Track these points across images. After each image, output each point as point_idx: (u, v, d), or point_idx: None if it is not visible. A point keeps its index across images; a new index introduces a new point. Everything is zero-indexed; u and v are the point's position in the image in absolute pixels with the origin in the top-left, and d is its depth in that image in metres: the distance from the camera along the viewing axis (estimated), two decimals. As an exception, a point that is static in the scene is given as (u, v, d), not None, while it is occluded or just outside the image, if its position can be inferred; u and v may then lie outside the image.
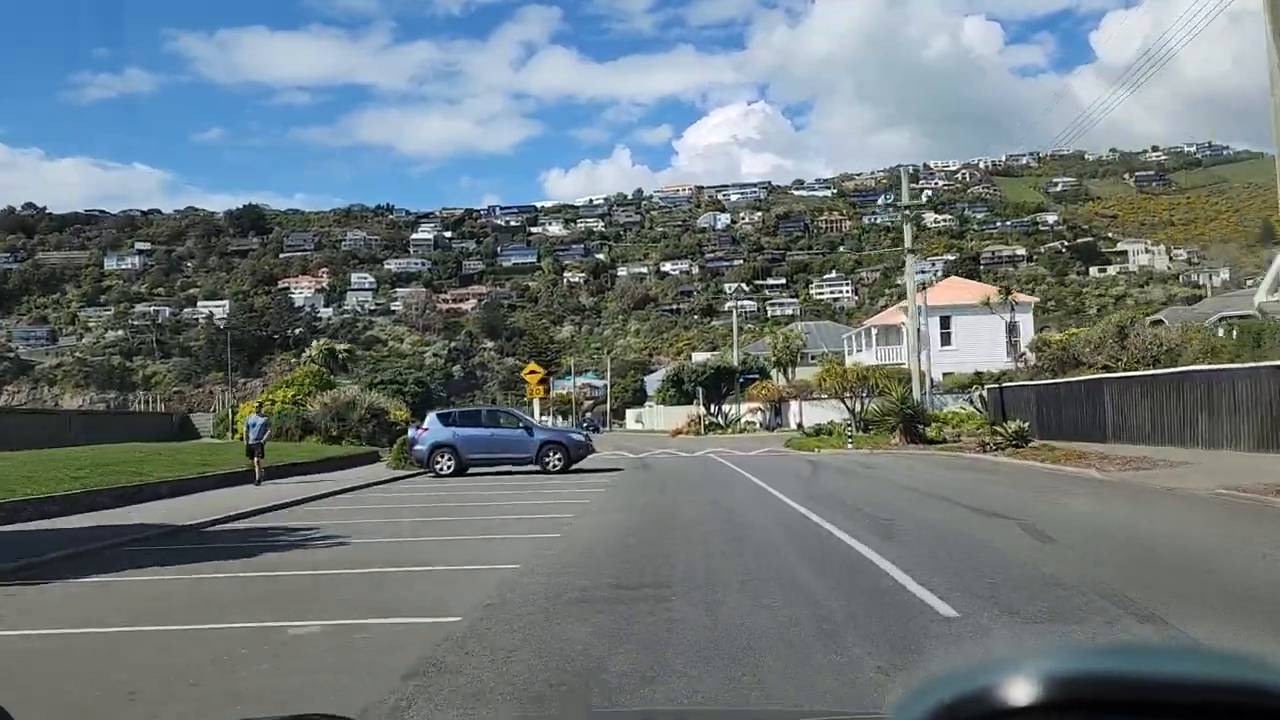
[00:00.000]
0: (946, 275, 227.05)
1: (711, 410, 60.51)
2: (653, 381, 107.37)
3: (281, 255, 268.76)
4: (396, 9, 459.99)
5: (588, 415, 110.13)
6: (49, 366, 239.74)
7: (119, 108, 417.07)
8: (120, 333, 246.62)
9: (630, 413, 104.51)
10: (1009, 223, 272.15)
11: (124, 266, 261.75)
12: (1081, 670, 0.74)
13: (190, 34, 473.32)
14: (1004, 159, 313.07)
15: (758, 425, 58.61)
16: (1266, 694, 0.71)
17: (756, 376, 60.69)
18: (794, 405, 58.28)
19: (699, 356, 64.11)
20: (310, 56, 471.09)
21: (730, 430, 56.12)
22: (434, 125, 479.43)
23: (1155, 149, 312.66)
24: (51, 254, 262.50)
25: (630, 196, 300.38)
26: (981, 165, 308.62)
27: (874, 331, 64.88)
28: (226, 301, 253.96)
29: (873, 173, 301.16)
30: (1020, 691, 0.74)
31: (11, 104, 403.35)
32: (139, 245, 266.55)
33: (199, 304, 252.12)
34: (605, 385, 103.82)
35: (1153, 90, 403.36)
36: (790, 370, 63.41)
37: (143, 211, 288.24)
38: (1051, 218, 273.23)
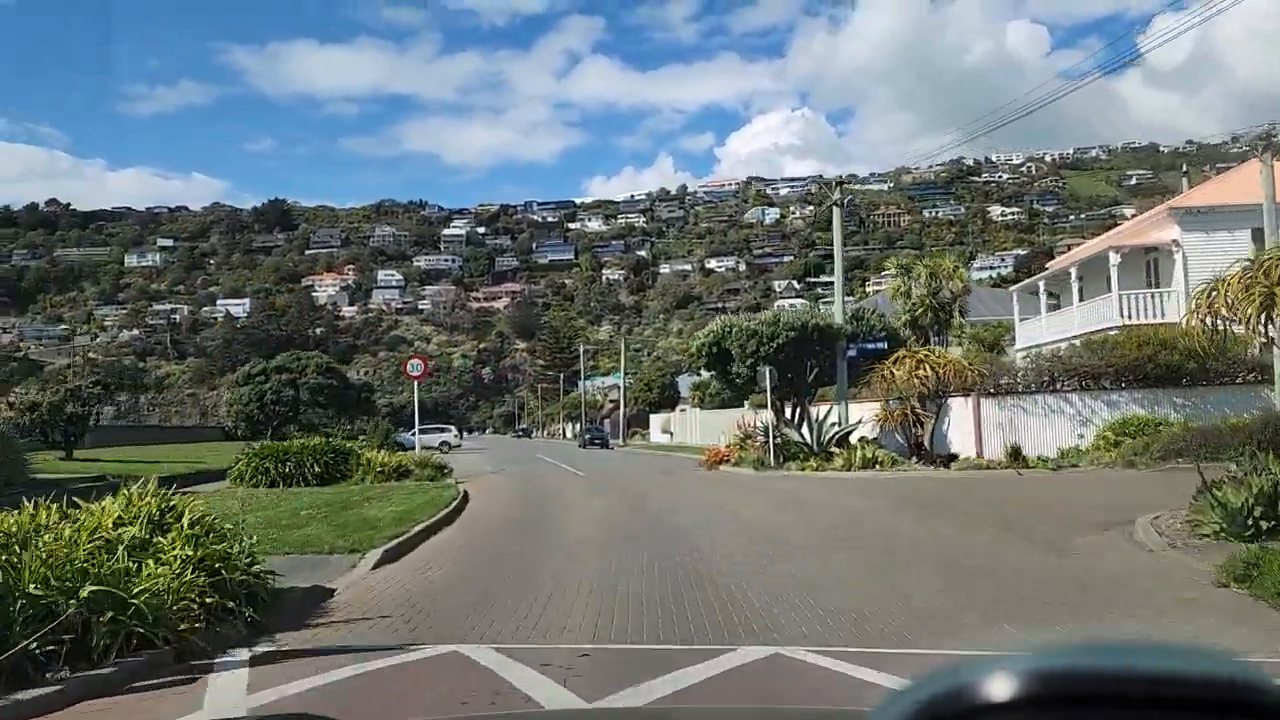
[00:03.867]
0: (1016, 272, 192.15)
1: (788, 413, 27.87)
2: (689, 379, 74.75)
3: (307, 252, 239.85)
4: (442, 21, 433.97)
5: (603, 422, 77.11)
6: (60, 367, 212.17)
7: (175, 119, 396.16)
8: (135, 332, 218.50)
9: (656, 419, 71.62)
10: (1082, 216, 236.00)
11: (145, 263, 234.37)
12: (1061, 666, 0.70)
13: (241, 47, 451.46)
14: (1071, 151, 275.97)
15: (880, 449, 25.11)
16: (1242, 689, 0.68)
17: (883, 347, 27.76)
18: (960, 406, 25.26)
19: (765, 313, 30.95)
20: (358, 68, 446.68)
21: (838, 462, 23.04)
22: (478, 134, 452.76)
23: (1235, 139, 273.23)
24: (71, 251, 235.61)
25: (674, 193, 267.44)
26: (1048, 158, 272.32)
27: (1113, 262, 31.10)
28: (247, 300, 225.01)
29: (930, 166, 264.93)
30: (1000, 688, 0.70)
31: (73, 115, 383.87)
32: (161, 242, 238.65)
33: (219, 302, 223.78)
34: (622, 385, 70.65)
35: (1219, 86, 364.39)
36: (942, 338, 30.26)
37: (170, 209, 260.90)
38: (1129, 211, 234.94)
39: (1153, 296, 30.56)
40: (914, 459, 23.84)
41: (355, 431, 79.64)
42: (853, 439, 27.62)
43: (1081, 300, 33.43)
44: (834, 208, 28.64)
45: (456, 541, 12.66)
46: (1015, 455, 22.14)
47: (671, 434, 64.85)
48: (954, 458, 24.04)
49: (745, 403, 59.98)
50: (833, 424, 28.25)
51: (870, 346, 28.22)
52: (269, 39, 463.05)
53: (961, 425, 26.71)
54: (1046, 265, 61.39)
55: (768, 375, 26.98)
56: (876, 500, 16.75)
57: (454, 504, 17.07)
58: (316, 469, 24.15)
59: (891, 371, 23.76)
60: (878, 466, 23.38)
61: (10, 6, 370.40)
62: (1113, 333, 28.63)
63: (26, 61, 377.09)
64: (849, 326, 28.63)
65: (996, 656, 0.71)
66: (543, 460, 42.17)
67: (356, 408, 74.31)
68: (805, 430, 28.14)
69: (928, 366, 22.99)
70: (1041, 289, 37.95)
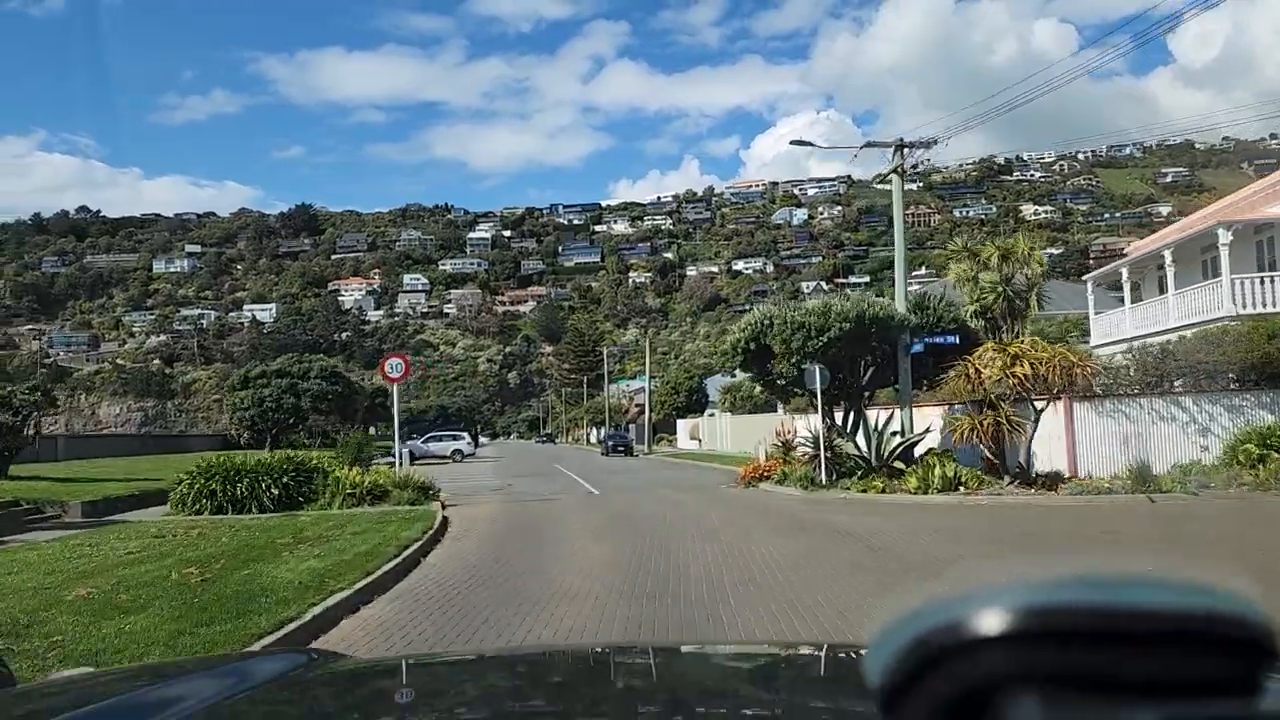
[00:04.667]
0: (1051, 270, 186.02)
1: (837, 420, 23.16)
2: (718, 381, 70.30)
3: (333, 256, 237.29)
4: (469, 28, 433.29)
5: (628, 427, 72.58)
6: (88, 374, 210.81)
7: (208, 128, 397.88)
8: (163, 338, 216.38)
9: (684, 424, 66.79)
10: (1117, 214, 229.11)
11: (173, 269, 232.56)
12: (1053, 601, 0.69)
13: (271, 56, 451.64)
14: (1105, 149, 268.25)
15: (955, 463, 20.05)
16: (1235, 623, 0.67)
17: (954, 340, 23.17)
18: (1056, 415, 20.05)
19: (813, 302, 26.11)
20: (385, 76, 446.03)
21: (912, 482, 18.19)
22: (504, 139, 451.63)
23: (1274, 136, 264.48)
24: (100, 257, 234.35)
25: (700, 194, 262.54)
26: (1080, 156, 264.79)
27: (1223, 241, 25.61)
28: (274, 305, 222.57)
29: (961, 165, 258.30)
30: (992, 621, 0.70)
31: (110, 126, 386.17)
32: (189, 248, 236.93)
33: (245, 307, 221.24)
34: (647, 388, 65.84)
35: (1250, 84, 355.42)
36: (1016, 329, 25.30)
37: (198, 215, 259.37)
38: (1165, 209, 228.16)
39: (1273, 281, 25.43)
40: (1006, 479, 18.92)
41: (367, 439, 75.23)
42: (918, 451, 22.82)
43: (1176, 288, 28.36)
44: (894, 175, 23.86)
45: (369, 636, 8.04)
46: (1141, 476, 17.21)
47: (700, 440, 60.12)
48: (1057, 477, 19.05)
49: (780, 407, 55.12)
50: (894, 433, 23.42)
51: (939, 340, 23.35)
52: (298, 47, 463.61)
53: (1047, 435, 21.78)
54: (1092, 261, 56.65)
55: (817, 375, 22.18)
56: (997, 549, 11.95)
57: (411, 550, 12.48)
58: (274, 491, 19.77)
59: (977, 369, 18.86)
60: (963, 488, 18.50)
61: (47, 21, 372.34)
62: (1231, 324, 23.61)
63: (63, 73, 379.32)
64: (912, 317, 23.76)
65: (991, 590, 0.71)
66: (557, 472, 37.61)
67: (370, 414, 70.20)
68: (862, 440, 23.34)
69: (1027, 362, 18.06)
70: (1125, 276, 32.88)
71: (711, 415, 62.03)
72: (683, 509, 19.00)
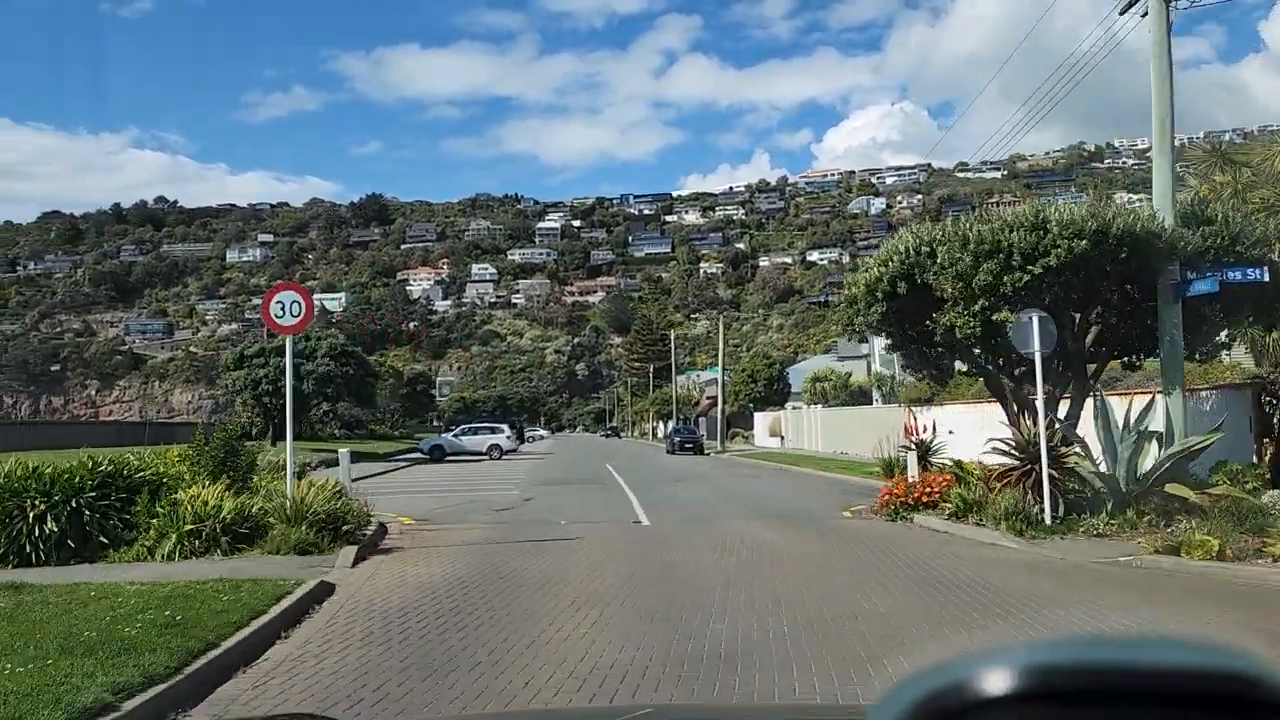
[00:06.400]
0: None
1: (1030, 411, 13.86)
2: (803, 371, 60.49)
3: (403, 246, 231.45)
4: (540, 23, 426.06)
5: (697, 421, 62.94)
6: (161, 361, 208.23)
7: (289, 125, 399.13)
8: (234, 326, 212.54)
9: (762, 418, 56.63)
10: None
11: (245, 259, 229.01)
12: (1057, 660, 0.68)
13: (348, 53, 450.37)
14: (1202, 135, 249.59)
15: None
16: (1242, 681, 0.65)
17: (1260, 276, 13.69)
18: None
19: (1017, 209, 16.67)
20: (460, 72, 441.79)
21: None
22: (576, 134, 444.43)
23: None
24: (176, 247, 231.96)
25: (774, 184, 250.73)
26: (1176, 143, 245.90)
27: None
28: (343, 294, 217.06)
29: (1048, 152, 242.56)
30: (997, 682, 0.67)
31: (198, 122, 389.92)
32: (262, 237, 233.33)
33: (315, 296, 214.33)
34: (720, 377, 55.84)
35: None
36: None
37: (271, 205, 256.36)
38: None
39: None
40: None
41: (407, 430, 66.68)
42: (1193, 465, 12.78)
43: None
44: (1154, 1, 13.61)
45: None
46: None
47: (783, 437, 50.12)
48: None
49: (877, 398, 44.62)
50: (1153, 432, 13.35)
51: (1235, 276, 13.29)
52: (374, 45, 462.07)
53: None
54: None
55: (1036, 329, 12.29)
56: None
57: None
58: (51, 528, 10.60)
59: None
60: None
61: (139, 21, 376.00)
62: None
63: (153, 72, 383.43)
64: (1188, 233, 13.71)
65: (995, 650, 0.68)
66: (605, 478, 28.21)
67: (411, 401, 61.64)
68: (1096, 446, 13.31)
69: None
70: None
71: (796, 408, 52.01)
72: (804, 592, 9.13)
